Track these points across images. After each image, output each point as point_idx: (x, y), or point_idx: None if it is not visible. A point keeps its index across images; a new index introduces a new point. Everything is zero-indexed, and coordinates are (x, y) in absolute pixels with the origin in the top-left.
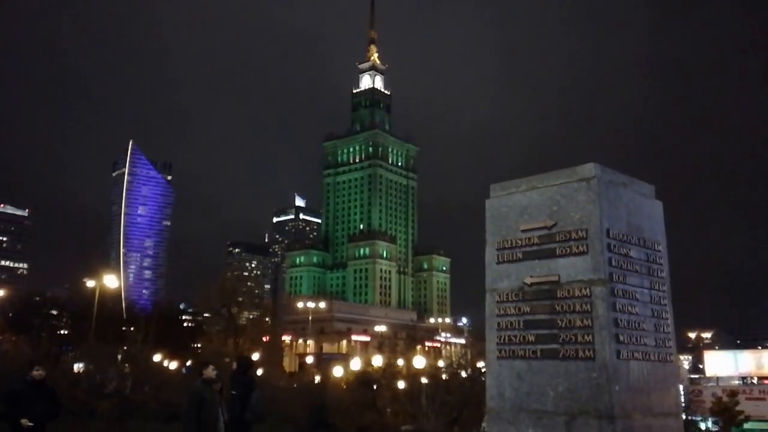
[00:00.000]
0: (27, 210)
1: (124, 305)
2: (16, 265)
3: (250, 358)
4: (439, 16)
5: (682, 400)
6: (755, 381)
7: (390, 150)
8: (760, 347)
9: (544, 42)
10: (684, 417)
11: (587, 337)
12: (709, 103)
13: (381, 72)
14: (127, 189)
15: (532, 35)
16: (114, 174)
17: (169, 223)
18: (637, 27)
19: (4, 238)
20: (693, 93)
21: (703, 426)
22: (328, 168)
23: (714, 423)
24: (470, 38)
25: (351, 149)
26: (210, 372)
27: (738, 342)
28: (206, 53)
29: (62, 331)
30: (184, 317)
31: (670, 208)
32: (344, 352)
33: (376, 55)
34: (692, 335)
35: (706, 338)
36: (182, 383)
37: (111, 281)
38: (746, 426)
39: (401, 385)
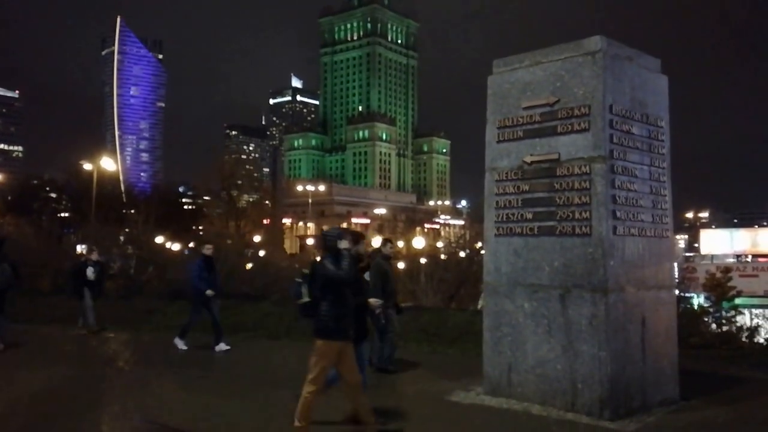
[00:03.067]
0: (17, 91)
1: (123, 188)
2: (11, 148)
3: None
4: None
5: (676, 276)
6: (749, 259)
7: (389, 26)
8: (757, 226)
9: None
10: (677, 293)
11: (585, 214)
12: None
13: None
14: (117, 68)
15: None
16: (103, 53)
17: (163, 105)
18: None
19: None
20: None
21: (695, 302)
22: (325, 46)
23: (706, 299)
24: None
25: (348, 26)
26: (387, 249)
27: (735, 221)
28: None
29: (63, 214)
30: (184, 200)
31: (672, 81)
32: None
33: None
34: (689, 215)
35: (703, 217)
36: (186, 263)
37: (108, 164)
38: (737, 301)
39: (401, 265)
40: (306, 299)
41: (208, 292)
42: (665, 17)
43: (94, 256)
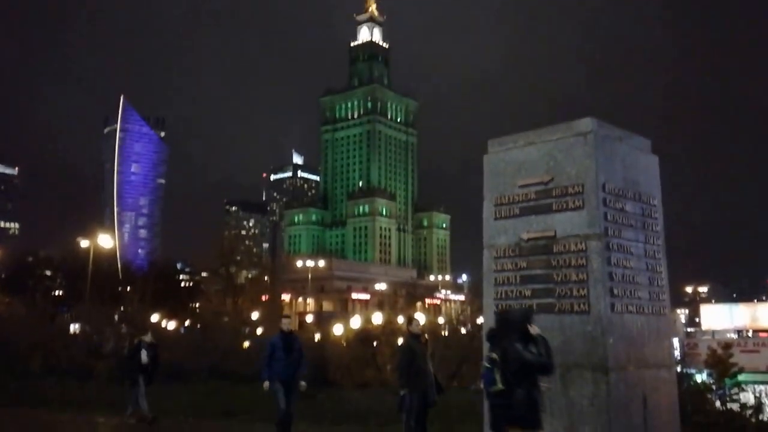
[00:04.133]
0: (16, 168)
1: (119, 265)
2: (7, 225)
3: None
4: None
5: (678, 353)
6: (750, 334)
7: (389, 105)
8: (755, 300)
9: None
10: (679, 369)
11: (582, 291)
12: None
13: (379, 24)
14: (119, 146)
15: None
16: (105, 130)
17: (163, 181)
18: None
19: None
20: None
21: (698, 378)
22: (326, 124)
23: (708, 375)
24: None
25: (349, 104)
26: (415, 327)
27: (734, 295)
28: (197, 2)
29: (57, 292)
30: (181, 277)
31: (665, 161)
32: (347, 310)
33: (374, 5)
34: (689, 289)
35: (703, 292)
36: (181, 342)
37: (105, 241)
38: (740, 378)
39: (401, 341)
40: (500, 387)
41: (266, 384)
42: (657, 95)
43: (148, 338)
